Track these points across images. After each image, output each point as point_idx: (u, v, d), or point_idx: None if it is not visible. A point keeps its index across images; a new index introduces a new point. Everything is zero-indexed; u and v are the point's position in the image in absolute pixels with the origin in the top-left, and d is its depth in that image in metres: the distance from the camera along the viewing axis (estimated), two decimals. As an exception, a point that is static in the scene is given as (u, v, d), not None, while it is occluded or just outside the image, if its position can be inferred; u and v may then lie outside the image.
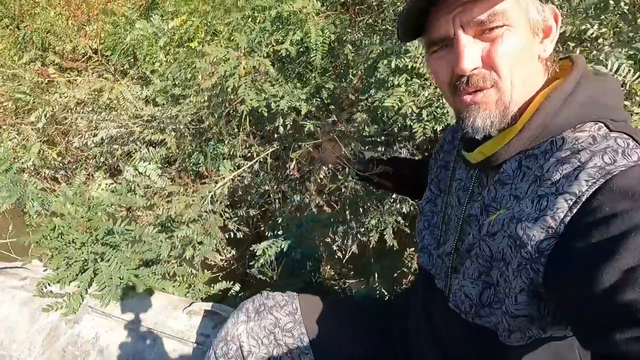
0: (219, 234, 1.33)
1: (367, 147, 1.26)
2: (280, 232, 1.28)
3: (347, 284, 1.30)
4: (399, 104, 0.93)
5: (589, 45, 0.91)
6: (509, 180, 0.53)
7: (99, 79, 2.21)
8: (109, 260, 1.30)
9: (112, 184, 1.73)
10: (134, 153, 1.91)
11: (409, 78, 1.00)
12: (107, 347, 1.22)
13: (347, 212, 1.48)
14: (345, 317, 0.84)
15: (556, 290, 0.44)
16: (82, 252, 1.28)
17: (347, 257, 1.64)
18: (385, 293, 1.29)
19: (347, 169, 1.06)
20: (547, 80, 0.54)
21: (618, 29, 0.87)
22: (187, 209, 1.25)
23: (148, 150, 1.62)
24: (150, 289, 1.33)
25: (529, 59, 0.51)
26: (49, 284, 1.30)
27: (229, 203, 1.72)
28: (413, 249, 1.37)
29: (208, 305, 1.24)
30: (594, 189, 0.42)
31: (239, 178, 1.54)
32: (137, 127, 2.00)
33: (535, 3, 0.50)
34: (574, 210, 0.42)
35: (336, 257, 1.66)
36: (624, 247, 0.37)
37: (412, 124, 0.94)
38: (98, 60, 2.33)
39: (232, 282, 1.43)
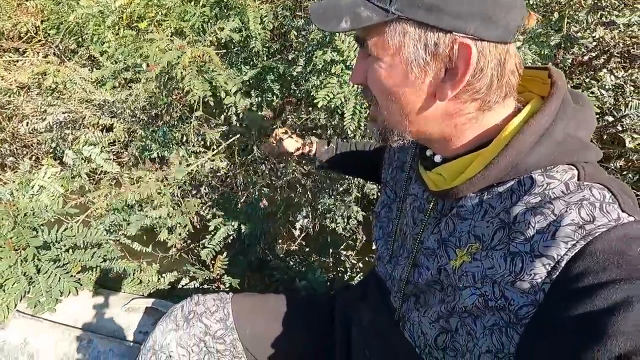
0: (193, 218, 1.31)
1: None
2: (230, 212, 1.31)
3: (296, 267, 1.37)
4: (330, 96, 0.97)
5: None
6: (469, 216, 0.49)
7: (44, 60, 2.10)
8: (46, 272, 1.23)
9: (61, 171, 1.69)
10: (86, 135, 1.87)
11: (344, 68, 1.05)
12: (38, 352, 1.16)
13: (308, 194, 1.55)
14: (282, 317, 0.83)
15: None
16: (12, 272, 1.20)
17: (302, 235, 1.71)
18: (331, 276, 1.37)
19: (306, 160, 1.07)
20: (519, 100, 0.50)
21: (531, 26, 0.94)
22: (158, 194, 1.24)
23: (94, 134, 1.58)
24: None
25: (403, 92, 0.46)
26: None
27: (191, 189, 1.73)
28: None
29: (148, 302, 1.21)
30: (573, 253, 0.38)
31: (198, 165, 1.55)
32: (87, 111, 1.94)
33: (417, 41, 0.43)
34: (553, 277, 0.39)
35: (295, 234, 1.73)
36: (612, 328, 0.33)
37: (343, 113, 0.99)
38: (41, 40, 2.20)
39: (182, 273, 1.44)
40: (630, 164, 1.29)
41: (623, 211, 0.40)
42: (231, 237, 1.29)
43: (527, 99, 0.49)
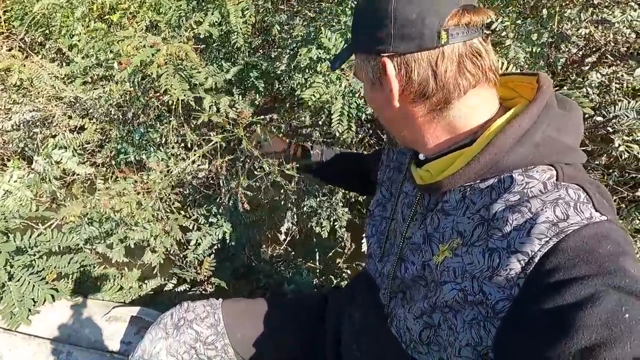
0: (178, 234, 1.24)
1: (308, 141, 1.25)
2: (214, 220, 1.26)
3: (283, 270, 1.33)
4: (317, 96, 0.93)
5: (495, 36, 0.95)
6: (452, 211, 0.52)
7: (8, 54, 1.96)
8: (19, 280, 1.16)
9: (29, 173, 1.59)
10: (55, 137, 1.76)
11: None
12: (13, 367, 1.10)
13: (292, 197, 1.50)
14: (273, 320, 0.83)
15: (504, 357, 0.42)
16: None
17: (287, 239, 1.67)
18: (319, 281, 1.34)
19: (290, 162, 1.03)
20: (508, 100, 0.54)
21: (518, 24, 0.92)
22: (140, 209, 1.16)
23: (64, 136, 1.48)
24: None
25: (381, 107, 0.57)
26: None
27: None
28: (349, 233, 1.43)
29: (130, 310, 1.17)
30: (546, 249, 0.40)
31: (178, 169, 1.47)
32: (57, 109, 1.82)
33: (365, 65, 0.54)
34: (527, 272, 0.41)
35: (281, 239, 1.69)
36: (579, 321, 0.35)
37: (331, 114, 0.94)
38: (4, 32, 2.05)
39: (166, 278, 1.39)
40: (614, 161, 1.30)
41: (597, 211, 0.42)
42: (216, 247, 1.24)
43: (516, 103, 0.52)
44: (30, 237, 1.27)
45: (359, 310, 0.72)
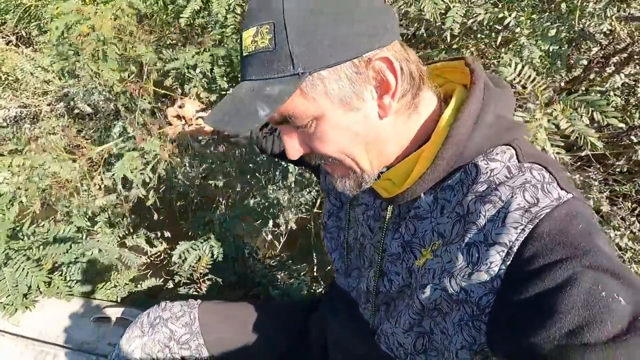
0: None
1: None
2: (200, 232, 1.20)
3: (277, 278, 1.27)
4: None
5: (507, 34, 0.85)
6: (427, 215, 0.50)
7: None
8: (14, 265, 1.16)
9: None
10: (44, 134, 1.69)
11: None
12: (0, 369, 1.11)
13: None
14: (252, 324, 0.82)
15: (500, 351, 0.42)
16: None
17: (282, 242, 1.60)
18: (313, 289, 1.27)
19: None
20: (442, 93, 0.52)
21: (534, 19, 0.81)
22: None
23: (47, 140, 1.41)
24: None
25: (355, 132, 0.47)
26: None
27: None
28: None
29: (118, 311, 1.16)
30: (523, 237, 0.40)
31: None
32: (45, 104, 1.76)
33: (338, 80, 0.43)
34: (508, 262, 0.41)
35: (273, 243, 1.62)
36: (560, 305, 0.35)
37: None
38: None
39: (162, 280, 1.34)
40: (634, 165, 1.19)
41: (562, 189, 0.42)
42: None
43: (449, 89, 0.51)
44: (28, 227, 1.26)
45: (342, 327, 0.70)
